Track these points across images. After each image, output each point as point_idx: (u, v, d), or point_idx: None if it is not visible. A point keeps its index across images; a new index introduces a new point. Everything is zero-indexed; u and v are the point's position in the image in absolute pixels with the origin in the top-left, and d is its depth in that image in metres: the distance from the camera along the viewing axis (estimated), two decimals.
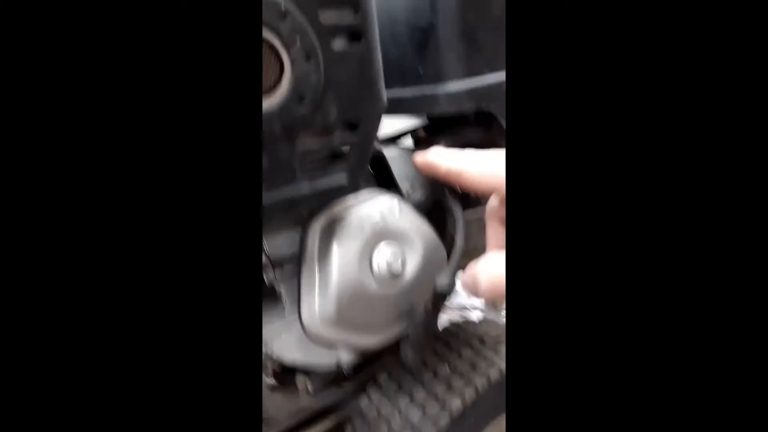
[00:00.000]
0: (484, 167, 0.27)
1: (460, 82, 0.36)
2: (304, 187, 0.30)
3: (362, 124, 0.31)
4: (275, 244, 0.35)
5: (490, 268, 0.21)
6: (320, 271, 0.35)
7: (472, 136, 0.44)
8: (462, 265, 0.37)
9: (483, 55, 0.36)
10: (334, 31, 0.28)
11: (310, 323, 0.35)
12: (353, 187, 0.32)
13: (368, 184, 0.42)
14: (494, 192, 0.27)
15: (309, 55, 0.27)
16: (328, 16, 0.27)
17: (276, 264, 0.35)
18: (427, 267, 0.39)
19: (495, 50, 0.37)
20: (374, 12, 0.30)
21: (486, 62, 0.37)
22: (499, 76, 0.37)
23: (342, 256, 0.35)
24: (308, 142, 0.29)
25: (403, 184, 0.41)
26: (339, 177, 0.31)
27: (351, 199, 0.38)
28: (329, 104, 0.29)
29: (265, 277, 0.35)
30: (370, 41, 0.30)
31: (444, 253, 0.40)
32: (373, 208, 0.38)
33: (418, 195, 0.40)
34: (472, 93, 0.36)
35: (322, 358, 0.38)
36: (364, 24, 0.29)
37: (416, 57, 0.37)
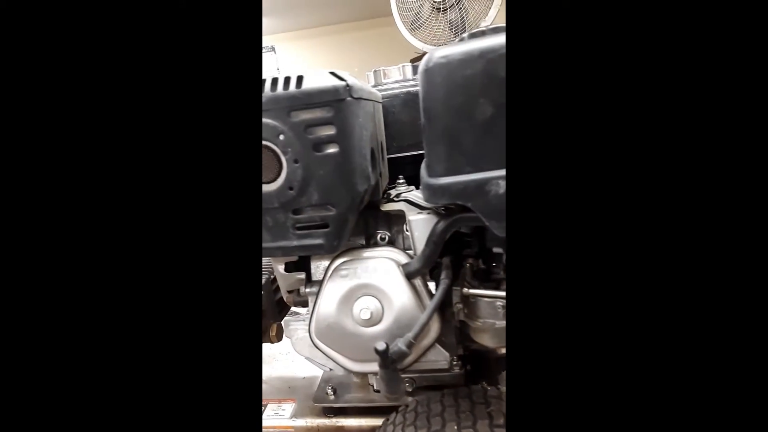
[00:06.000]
0: None
1: (440, 179, 0.40)
2: (293, 241, 0.45)
3: (338, 206, 0.43)
4: (318, 269, 0.52)
5: None
6: (318, 297, 0.49)
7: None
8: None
9: (465, 155, 0.39)
10: (317, 141, 0.42)
11: (310, 331, 0.50)
12: (330, 248, 0.45)
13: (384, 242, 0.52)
14: None
15: (296, 160, 0.42)
16: (312, 132, 0.41)
17: (309, 282, 0.52)
18: (397, 325, 0.46)
19: (478, 152, 0.38)
20: (351, 127, 0.41)
21: (468, 162, 0.39)
22: (481, 176, 0.38)
23: (328, 294, 0.48)
24: (299, 214, 0.44)
25: (418, 244, 0.48)
26: (319, 239, 0.45)
27: (366, 252, 0.50)
28: (312, 191, 0.43)
29: (301, 289, 0.52)
30: (345, 149, 0.41)
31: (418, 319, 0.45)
32: (374, 264, 0.48)
33: (427, 252, 0.46)
34: (445, 190, 0.39)
35: (322, 361, 0.51)
36: (340, 137, 0.41)
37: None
